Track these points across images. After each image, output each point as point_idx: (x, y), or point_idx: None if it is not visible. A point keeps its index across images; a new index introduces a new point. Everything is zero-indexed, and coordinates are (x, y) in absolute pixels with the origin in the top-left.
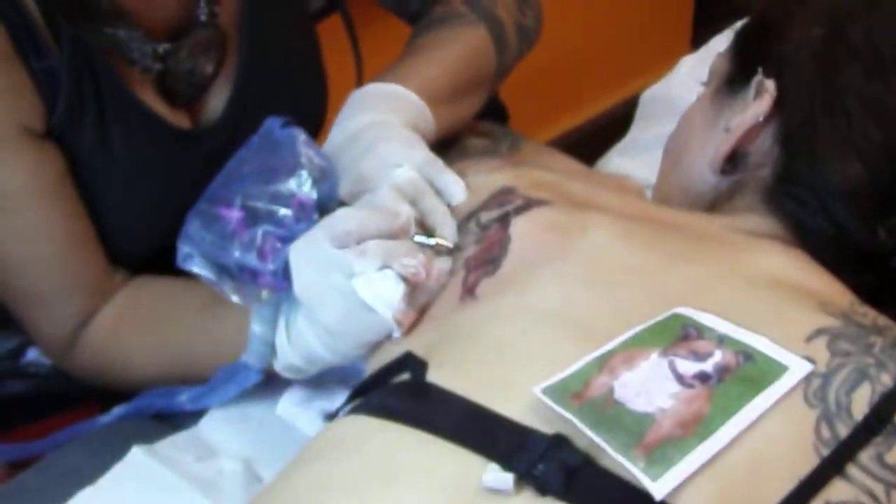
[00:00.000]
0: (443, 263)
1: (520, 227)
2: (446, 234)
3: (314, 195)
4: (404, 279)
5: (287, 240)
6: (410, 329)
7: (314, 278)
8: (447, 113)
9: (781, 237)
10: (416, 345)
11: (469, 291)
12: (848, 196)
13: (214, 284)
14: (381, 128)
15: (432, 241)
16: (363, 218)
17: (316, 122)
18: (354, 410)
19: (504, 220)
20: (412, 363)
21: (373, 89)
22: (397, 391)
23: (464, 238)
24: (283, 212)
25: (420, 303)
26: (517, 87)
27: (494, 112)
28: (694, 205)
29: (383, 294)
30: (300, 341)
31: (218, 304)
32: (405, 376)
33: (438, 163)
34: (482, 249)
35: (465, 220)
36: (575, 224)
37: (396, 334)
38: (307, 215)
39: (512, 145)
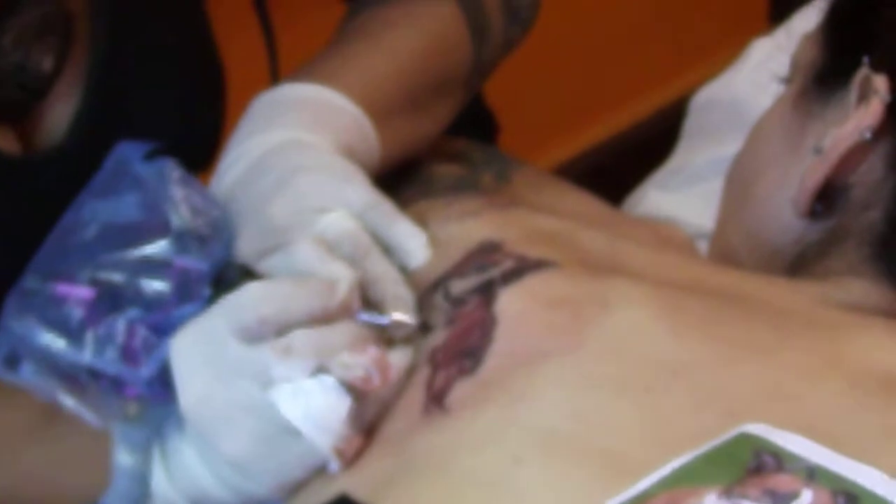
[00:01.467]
0: (401, 356)
1: (509, 303)
2: (400, 311)
3: (204, 262)
4: (349, 387)
5: (165, 330)
6: (354, 459)
7: (211, 389)
8: (400, 128)
9: None
10: (357, 481)
11: (436, 400)
12: None
13: (52, 397)
14: (299, 152)
15: (386, 320)
16: (284, 296)
17: (206, 146)
18: None
19: (486, 293)
20: None
21: (287, 93)
22: None
23: (427, 318)
24: (157, 286)
25: (370, 418)
26: (510, 89)
27: (476, 124)
28: (771, 265)
29: (318, 414)
30: (186, 478)
31: (57, 421)
32: None
33: (386, 206)
34: (454, 336)
35: (428, 292)
36: (592, 298)
37: (334, 468)
38: (194, 292)
39: (499, 174)
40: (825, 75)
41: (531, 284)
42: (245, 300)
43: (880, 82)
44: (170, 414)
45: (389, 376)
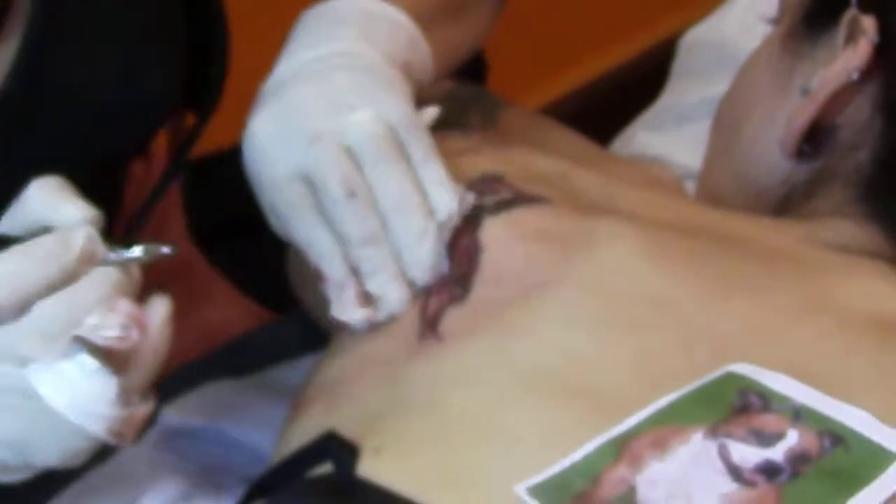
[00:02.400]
0: (160, 305)
1: (495, 231)
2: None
3: None
4: (107, 353)
5: None
6: (137, 433)
7: None
8: (447, 39)
9: (888, 254)
10: (349, 410)
11: (430, 326)
12: None
13: None
14: (349, 58)
15: (137, 252)
16: (12, 273)
17: (160, 99)
18: None
19: (473, 220)
20: (336, 447)
21: (337, 6)
22: (313, 491)
23: None
24: None
25: (148, 376)
26: (497, 29)
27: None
28: (758, 205)
29: (84, 400)
30: None
31: None
32: (327, 466)
33: (424, 133)
34: (447, 263)
35: None
36: (579, 233)
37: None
38: None
39: (487, 115)
40: (813, 16)
41: (519, 216)
42: None
43: (868, 23)
44: None
45: (149, 328)
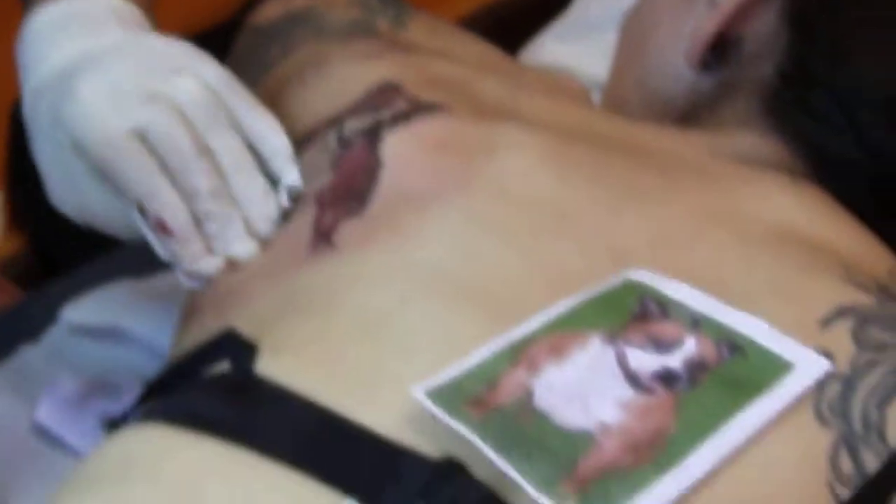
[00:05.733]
0: None
1: (394, 146)
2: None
3: None
4: None
5: None
6: None
7: None
8: None
9: (789, 166)
10: (242, 316)
11: (324, 236)
12: (889, 106)
13: None
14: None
15: None
16: None
17: None
18: (148, 416)
19: (372, 135)
20: (234, 346)
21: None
22: (211, 389)
23: (317, 158)
24: None
25: None
26: None
27: None
28: (663, 115)
29: None
30: None
31: None
32: (224, 366)
33: (243, 89)
34: (340, 179)
35: (322, 132)
36: (480, 142)
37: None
38: None
39: (395, 20)
40: None
41: (418, 128)
42: None
43: None
44: None
45: None
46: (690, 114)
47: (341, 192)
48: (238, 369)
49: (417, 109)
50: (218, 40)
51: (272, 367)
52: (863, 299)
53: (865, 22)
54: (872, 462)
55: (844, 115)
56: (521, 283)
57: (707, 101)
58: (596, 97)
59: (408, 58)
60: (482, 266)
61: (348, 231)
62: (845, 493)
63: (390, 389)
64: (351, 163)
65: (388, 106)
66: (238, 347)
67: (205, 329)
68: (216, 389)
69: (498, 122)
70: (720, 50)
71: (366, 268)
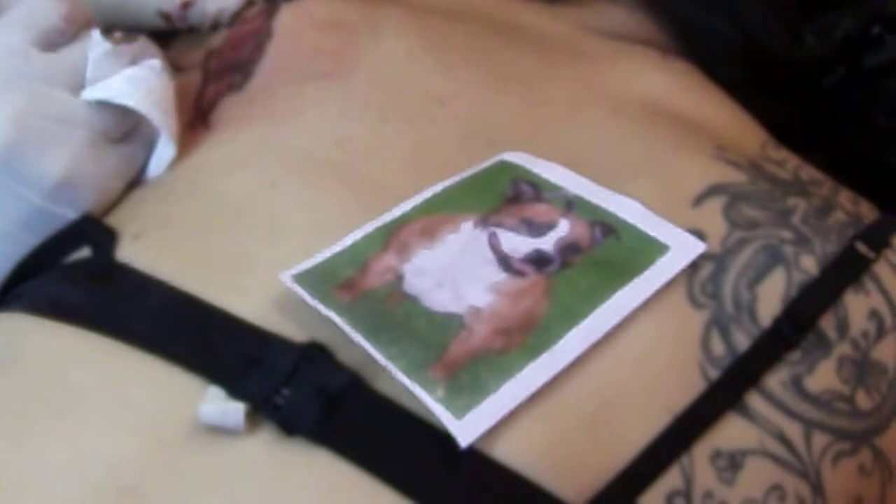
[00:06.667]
0: None
1: (286, 19)
2: None
3: None
4: None
5: None
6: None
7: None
8: None
9: (659, 42)
10: (103, 200)
11: (202, 116)
12: None
13: None
14: None
15: None
16: None
17: None
18: (6, 305)
19: (272, 4)
20: (93, 232)
21: None
22: (70, 276)
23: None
24: None
25: None
26: None
27: None
28: None
29: (157, 96)
30: None
31: None
32: (84, 252)
33: None
34: (231, 41)
35: None
36: (365, 25)
37: (170, 152)
38: None
39: None
40: None
41: (311, 4)
42: (39, 3)
43: None
44: None
45: None
46: None
47: (228, 62)
48: (98, 256)
49: None
50: None
51: (134, 252)
52: (735, 176)
53: None
54: (744, 342)
55: None
56: (395, 169)
57: None
58: None
59: None
60: (357, 151)
61: (227, 108)
62: (715, 373)
63: (256, 274)
64: (245, 27)
65: None
66: (97, 233)
67: (57, 218)
68: (76, 276)
69: (383, 5)
70: None
71: (235, 151)
